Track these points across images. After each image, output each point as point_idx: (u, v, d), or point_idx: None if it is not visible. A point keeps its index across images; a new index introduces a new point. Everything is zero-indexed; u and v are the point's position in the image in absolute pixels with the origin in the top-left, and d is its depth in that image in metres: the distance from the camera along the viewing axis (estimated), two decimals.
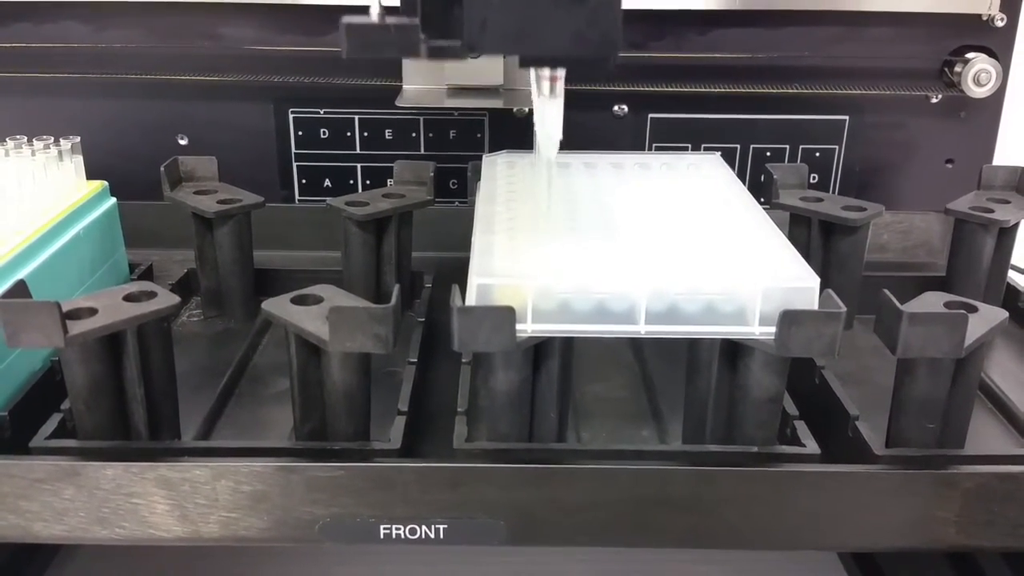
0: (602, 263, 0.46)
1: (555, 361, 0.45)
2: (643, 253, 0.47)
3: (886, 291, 0.44)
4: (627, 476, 0.43)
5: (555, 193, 0.51)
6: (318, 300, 0.46)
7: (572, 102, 0.73)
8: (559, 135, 0.47)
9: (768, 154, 0.77)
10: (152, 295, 0.46)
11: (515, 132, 0.75)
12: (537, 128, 0.47)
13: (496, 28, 0.39)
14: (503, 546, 0.45)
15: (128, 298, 0.46)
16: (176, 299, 0.46)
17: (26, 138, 0.58)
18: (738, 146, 0.77)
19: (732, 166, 0.77)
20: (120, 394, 0.46)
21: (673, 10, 0.71)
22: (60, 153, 0.58)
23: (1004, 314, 0.45)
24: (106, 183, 0.62)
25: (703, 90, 0.74)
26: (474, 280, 0.43)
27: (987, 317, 0.45)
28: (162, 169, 0.60)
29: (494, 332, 0.42)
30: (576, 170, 0.59)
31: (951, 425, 0.45)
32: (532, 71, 0.45)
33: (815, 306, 0.43)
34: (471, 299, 0.43)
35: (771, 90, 0.74)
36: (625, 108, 0.76)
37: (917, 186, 0.78)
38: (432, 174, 0.62)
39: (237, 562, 0.57)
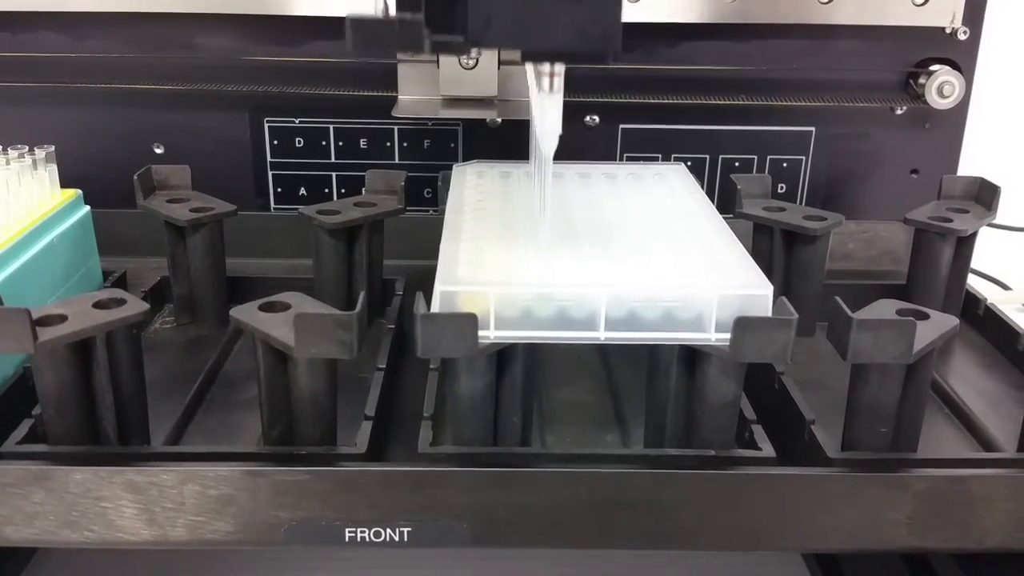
0: (564, 271, 0.47)
1: (518, 367, 0.46)
2: (605, 261, 0.48)
3: (837, 298, 0.45)
4: (587, 479, 0.44)
5: (550, 195, 0.51)
6: (285, 307, 0.47)
7: None
8: (559, 130, 0.47)
9: (736, 164, 0.78)
10: (122, 302, 0.47)
11: (488, 142, 0.76)
12: (536, 124, 0.47)
13: (499, 23, 0.39)
14: (468, 548, 0.46)
15: (98, 305, 0.47)
16: (145, 306, 0.47)
17: (0, 147, 0.59)
18: (707, 156, 0.78)
19: (701, 176, 0.78)
20: (90, 400, 0.46)
21: (644, 23, 0.72)
22: (34, 162, 0.59)
23: (954, 321, 0.46)
24: (80, 192, 0.62)
25: (673, 101, 0.76)
26: (438, 288, 0.44)
27: (938, 324, 0.46)
28: (135, 178, 0.61)
29: (457, 339, 0.43)
30: None
31: (904, 429, 0.46)
32: (530, 68, 0.45)
33: (769, 313, 0.44)
34: (435, 306, 0.44)
35: (739, 102, 0.75)
36: (597, 119, 0.77)
37: (882, 196, 0.79)
38: (403, 183, 0.63)
39: (211, 564, 0.58)
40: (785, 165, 0.78)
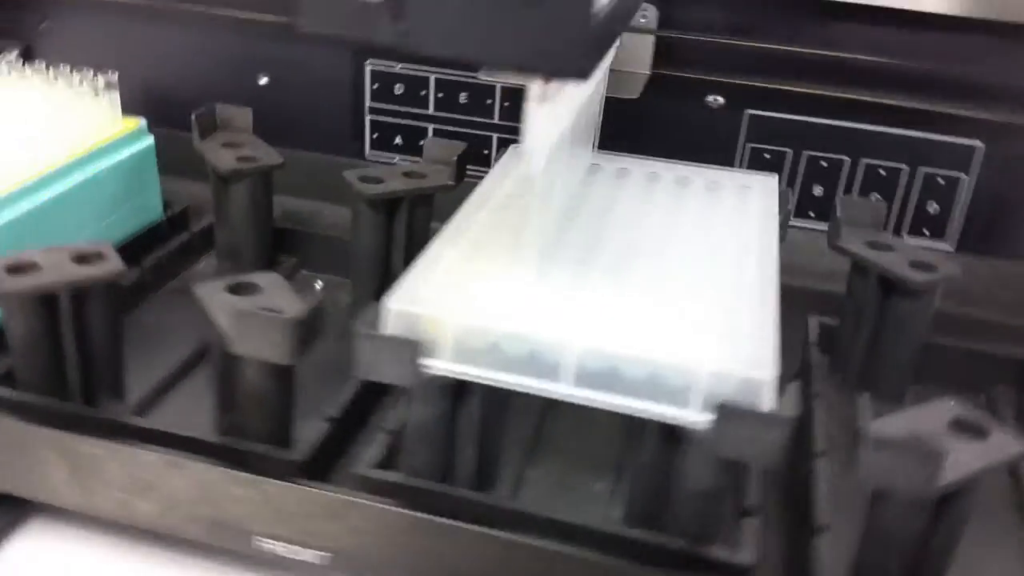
0: (548, 305, 0.40)
1: (476, 400, 0.40)
2: (602, 301, 0.41)
3: (867, 394, 0.36)
4: (508, 547, 0.39)
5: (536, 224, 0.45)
6: (255, 290, 0.44)
7: (657, 85, 0.66)
8: (545, 149, 0.41)
9: (881, 172, 0.66)
10: (101, 258, 0.45)
11: None
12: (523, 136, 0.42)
13: (431, 25, 0.34)
14: None
15: (79, 258, 0.45)
16: (121, 267, 0.45)
17: (68, 67, 0.59)
18: (847, 159, 0.66)
19: (836, 182, 0.67)
20: (59, 352, 0.45)
21: None
22: (95, 88, 0.58)
23: (1018, 448, 0.36)
24: (143, 121, 0.61)
25: (813, 90, 0.65)
26: (386, 303, 0.39)
27: (993, 448, 0.36)
28: (194, 117, 0.59)
29: (395, 364, 0.38)
30: (601, 177, 0.53)
31: (925, 568, 0.37)
32: None
33: (769, 402, 0.36)
34: (383, 323, 0.39)
35: (892, 101, 0.63)
36: (720, 100, 0.67)
37: None
38: (459, 156, 0.58)
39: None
40: (941, 181, 0.65)
